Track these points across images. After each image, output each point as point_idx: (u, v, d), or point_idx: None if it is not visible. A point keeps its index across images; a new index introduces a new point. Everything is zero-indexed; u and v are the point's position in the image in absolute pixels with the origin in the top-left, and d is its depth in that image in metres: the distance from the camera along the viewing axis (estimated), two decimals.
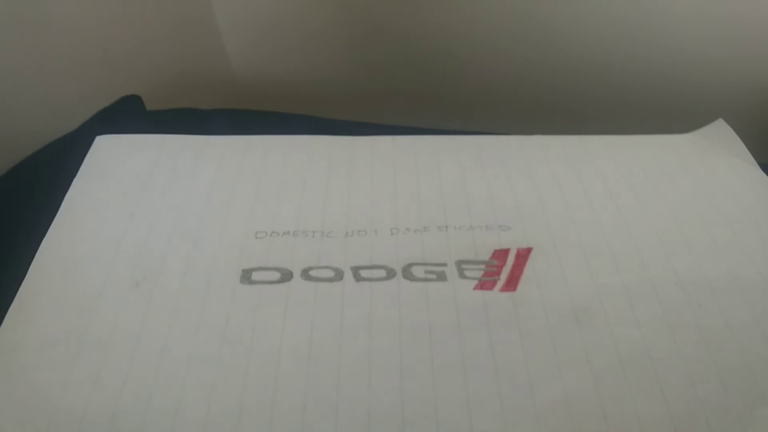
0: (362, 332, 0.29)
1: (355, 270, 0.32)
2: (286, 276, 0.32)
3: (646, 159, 0.39)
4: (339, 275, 0.32)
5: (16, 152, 0.43)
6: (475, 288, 0.31)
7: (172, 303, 0.30)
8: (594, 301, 0.31)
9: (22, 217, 0.37)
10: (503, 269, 0.32)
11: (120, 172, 0.37)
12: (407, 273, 0.32)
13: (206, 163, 0.38)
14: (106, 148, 0.39)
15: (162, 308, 0.30)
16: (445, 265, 0.32)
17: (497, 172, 0.38)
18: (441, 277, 0.32)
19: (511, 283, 0.31)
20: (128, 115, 0.45)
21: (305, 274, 0.32)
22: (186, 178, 0.37)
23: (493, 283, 0.31)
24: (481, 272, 0.32)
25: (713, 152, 0.39)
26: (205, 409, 0.27)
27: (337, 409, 0.27)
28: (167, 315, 0.30)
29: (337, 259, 0.33)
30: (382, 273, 0.32)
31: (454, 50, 0.49)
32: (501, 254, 0.33)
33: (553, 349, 0.29)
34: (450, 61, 0.49)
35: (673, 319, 0.30)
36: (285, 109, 0.47)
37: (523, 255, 0.33)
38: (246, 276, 0.32)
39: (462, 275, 0.32)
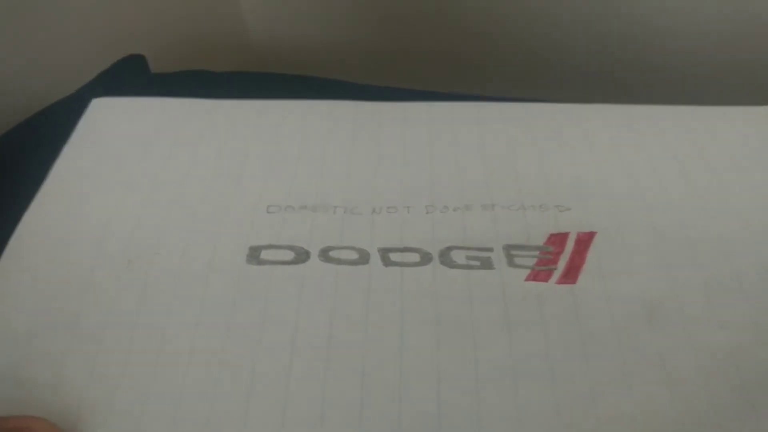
0: (392, 327, 0.24)
1: (384, 252, 0.27)
2: (302, 256, 0.27)
3: (724, 133, 0.33)
4: (364, 258, 0.27)
5: (8, 118, 0.39)
6: (528, 279, 0.26)
7: (170, 286, 0.26)
8: (669, 297, 0.25)
9: (6, 188, 0.32)
10: (561, 257, 0.27)
11: (116, 138, 0.33)
12: (445, 258, 0.27)
13: (214, 129, 0.33)
14: (102, 111, 0.34)
15: (159, 292, 0.26)
16: (491, 250, 0.27)
17: (552, 144, 0.32)
18: (486, 264, 0.27)
19: (571, 274, 0.26)
20: (131, 77, 0.41)
21: (324, 254, 0.27)
22: (190, 145, 0.32)
23: (549, 274, 0.26)
24: (534, 260, 0.27)
25: None
26: (207, 414, 0.22)
27: (361, 419, 0.22)
28: (165, 300, 0.25)
29: (362, 239, 0.28)
30: (416, 257, 0.27)
31: (493, 11, 0.43)
32: (558, 239, 0.28)
33: (621, 353, 0.24)
34: (489, 24, 0.43)
35: (765, 321, 0.24)
36: (307, 72, 0.42)
37: (585, 240, 0.28)
38: (254, 255, 0.27)
39: (511, 263, 0.27)
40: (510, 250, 0.27)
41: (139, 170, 0.31)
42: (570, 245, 0.27)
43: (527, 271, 0.26)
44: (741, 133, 0.33)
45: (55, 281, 0.26)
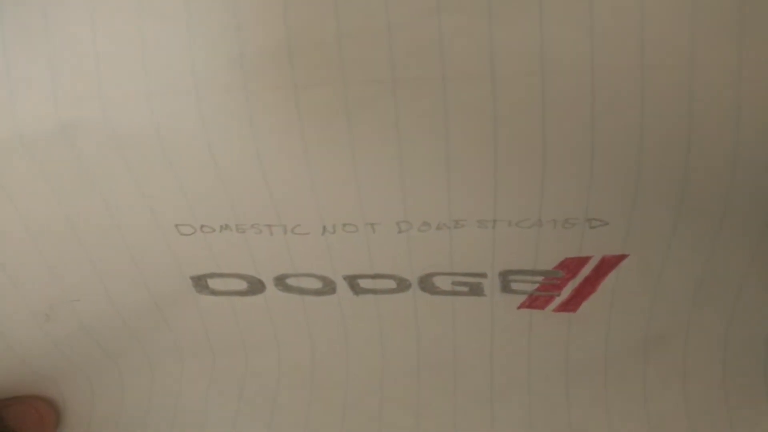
0: (374, 354, 0.24)
1: (351, 280, 0.23)
2: (256, 285, 0.23)
3: None
4: (330, 287, 0.23)
5: None
6: (521, 306, 0.23)
7: (120, 329, 0.24)
8: (678, 331, 0.22)
9: None
10: (569, 283, 0.22)
11: None
12: (426, 284, 0.23)
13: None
14: None
15: (113, 338, 0.24)
16: (483, 276, 0.22)
17: (626, 71, 0.18)
18: (476, 290, 0.23)
19: (573, 302, 0.23)
20: None
21: (281, 283, 0.23)
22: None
23: (548, 300, 0.23)
24: (536, 285, 0.22)
25: None
26: None
27: None
28: (135, 340, 0.24)
29: (320, 265, 0.22)
30: (391, 284, 0.23)
31: None
32: (573, 264, 0.22)
33: (605, 388, 0.23)
34: None
35: None
36: None
37: (609, 264, 0.21)
38: (201, 284, 0.23)
39: (506, 288, 0.22)
40: (508, 275, 0.22)
41: None
42: (587, 270, 0.22)
43: (523, 298, 0.23)
44: None
45: None
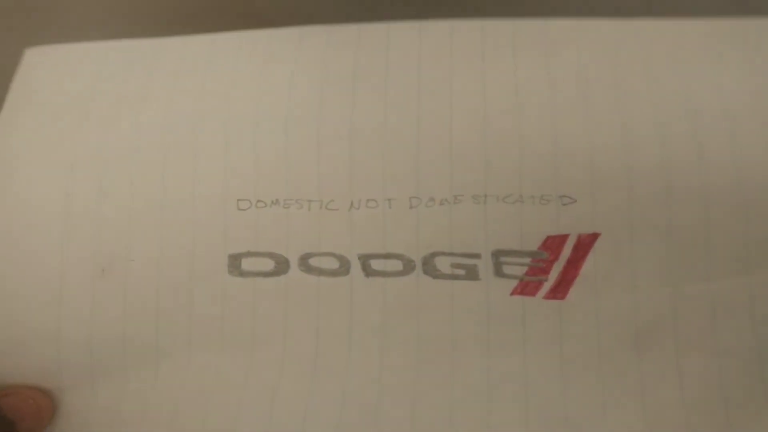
0: (373, 344, 0.26)
1: (365, 260, 0.26)
2: (282, 265, 0.26)
3: None
4: (345, 266, 0.26)
5: None
6: (513, 293, 0.26)
7: (153, 298, 0.26)
8: (665, 319, 0.24)
9: None
10: (554, 266, 0.25)
11: (54, 105, 0.27)
12: (429, 266, 0.26)
13: (161, 81, 0.27)
14: (38, 64, 0.28)
15: (142, 305, 0.26)
16: (478, 256, 0.25)
17: (574, 97, 0.23)
18: (471, 274, 0.26)
19: (561, 288, 0.25)
20: None
21: (304, 263, 0.26)
22: (135, 111, 0.26)
23: (538, 286, 0.25)
24: (525, 268, 0.25)
25: None
26: (199, 427, 0.25)
27: None
28: (151, 313, 0.26)
29: (341, 243, 0.26)
30: (398, 265, 0.26)
31: None
32: (555, 243, 0.25)
33: (601, 380, 0.24)
34: None
35: None
36: None
37: (585, 244, 0.25)
38: (234, 264, 0.27)
39: (499, 272, 0.25)
40: (499, 256, 0.25)
41: (83, 147, 0.26)
42: (567, 251, 0.25)
43: (515, 283, 0.25)
44: None
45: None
